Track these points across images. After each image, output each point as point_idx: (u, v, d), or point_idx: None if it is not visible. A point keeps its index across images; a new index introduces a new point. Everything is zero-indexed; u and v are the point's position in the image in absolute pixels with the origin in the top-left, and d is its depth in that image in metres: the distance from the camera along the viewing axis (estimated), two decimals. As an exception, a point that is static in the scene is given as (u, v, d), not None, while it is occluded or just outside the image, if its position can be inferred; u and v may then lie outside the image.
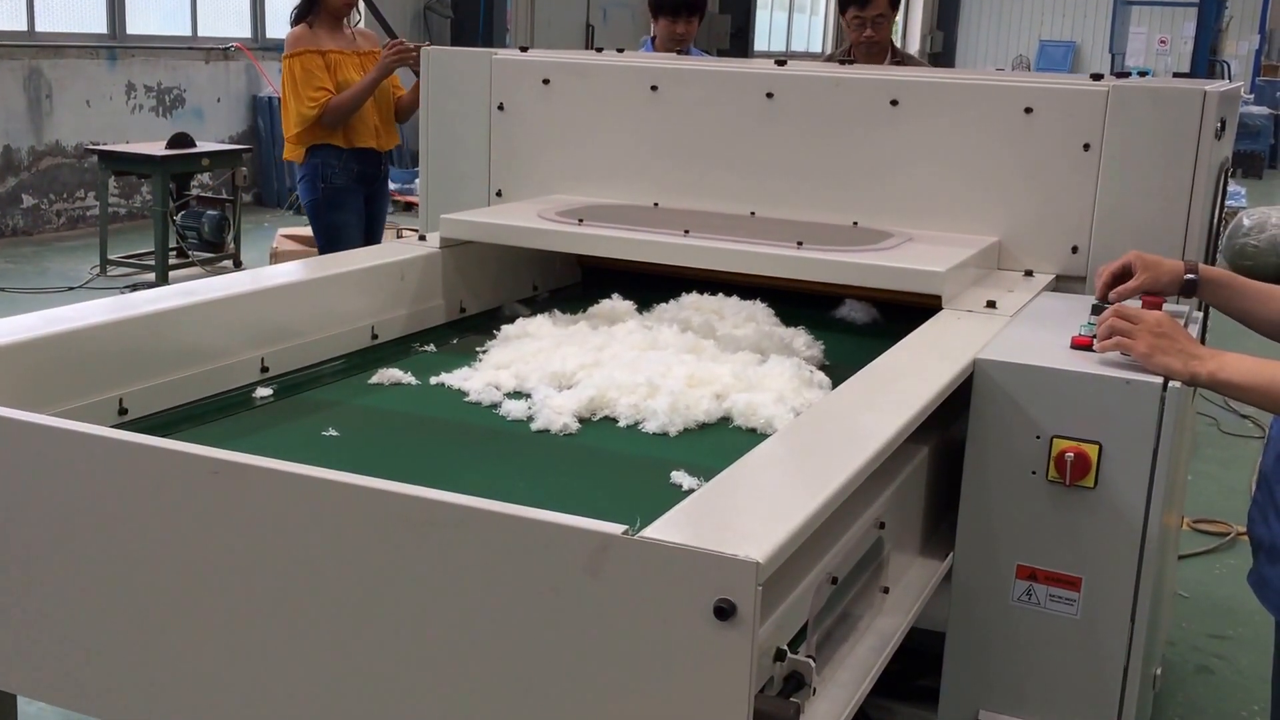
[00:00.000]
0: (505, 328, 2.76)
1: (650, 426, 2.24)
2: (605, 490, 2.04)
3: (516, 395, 2.39)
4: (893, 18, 4.95)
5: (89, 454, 1.66)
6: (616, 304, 2.89)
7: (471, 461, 2.16)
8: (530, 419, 2.27)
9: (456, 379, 2.48)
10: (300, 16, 5.29)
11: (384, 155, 5.47)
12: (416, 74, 5.32)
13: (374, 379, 2.50)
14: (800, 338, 2.70)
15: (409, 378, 2.51)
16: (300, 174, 5.34)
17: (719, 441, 2.19)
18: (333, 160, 5.24)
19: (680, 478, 1.97)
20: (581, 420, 2.27)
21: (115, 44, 10.76)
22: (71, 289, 8.22)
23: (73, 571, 1.71)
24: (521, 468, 2.11)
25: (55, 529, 1.71)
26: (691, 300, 2.91)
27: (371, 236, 5.48)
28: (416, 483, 1.98)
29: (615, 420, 2.28)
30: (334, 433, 2.20)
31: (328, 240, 5.32)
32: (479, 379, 2.46)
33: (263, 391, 2.39)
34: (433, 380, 2.50)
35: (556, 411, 2.26)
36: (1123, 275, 2.47)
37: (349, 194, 5.31)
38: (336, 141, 5.24)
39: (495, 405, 2.36)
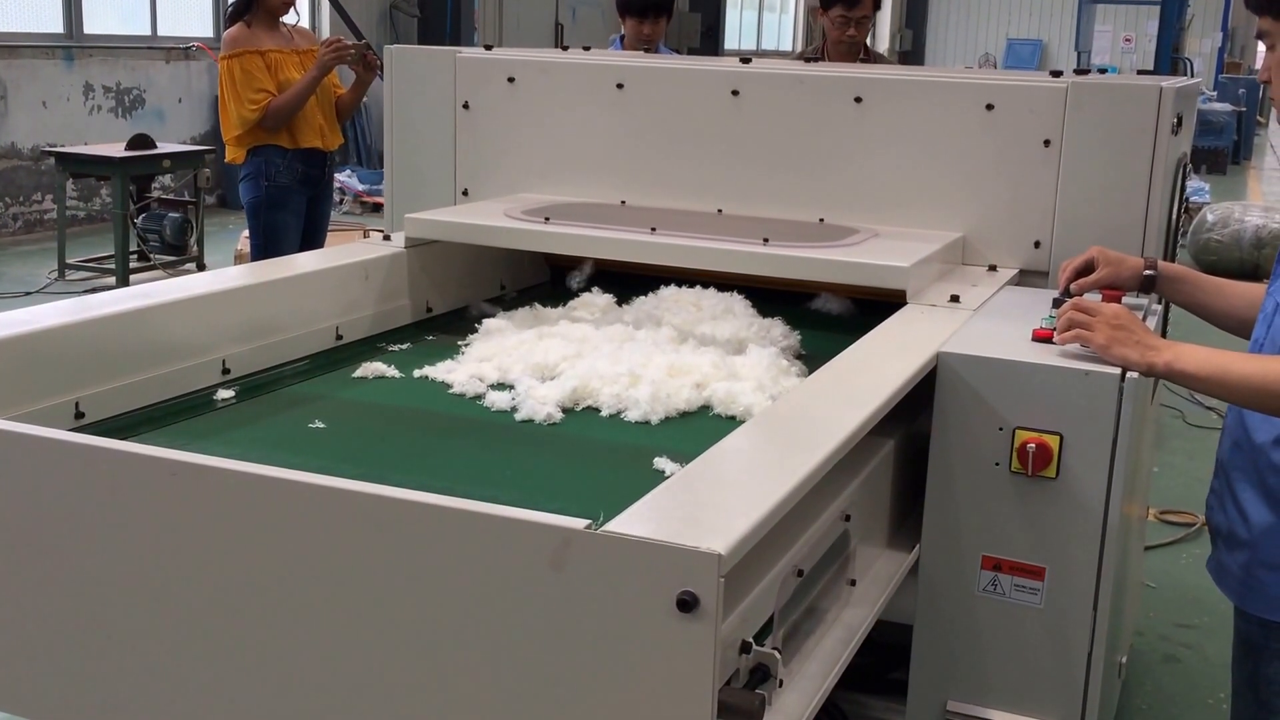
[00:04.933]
0: (487, 322, 2.78)
1: (632, 415, 2.28)
2: (591, 477, 2.08)
3: (500, 387, 2.42)
4: (873, 19, 5.00)
5: (42, 457, 1.65)
6: (595, 297, 2.93)
7: (457, 451, 2.19)
8: (514, 409, 2.31)
9: (440, 371, 2.51)
10: (237, 16, 5.24)
11: (329, 155, 5.43)
12: (355, 71, 5.33)
13: (358, 372, 2.53)
14: (777, 328, 2.73)
15: (392, 371, 2.55)
16: (243, 172, 5.29)
17: (700, 429, 2.22)
18: (277, 159, 5.20)
19: (663, 464, 2.01)
20: (565, 410, 2.31)
21: (72, 44, 10.64)
22: (28, 294, 8.13)
23: (27, 577, 1.70)
24: (507, 457, 2.15)
25: (7, 533, 1.69)
26: (670, 293, 2.93)
27: (313, 242, 5.41)
28: (404, 472, 2.02)
29: (598, 410, 2.32)
30: (320, 425, 2.22)
31: (266, 241, 5.26)
32: (462, 371, 2.49)
33: (224, 393, 2.37)
34: (416, 373, 2.53)
35: (540, 402, 2.29)
36: (1085, 270, 2.53)
37: (292, 194, 5.27)
38: (281, 142, 5.20)
39: (479, 397, 2.39)
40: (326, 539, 1.52)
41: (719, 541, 1.34)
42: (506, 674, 1.46)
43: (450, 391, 2.43)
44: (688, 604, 1.33)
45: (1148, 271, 2.49)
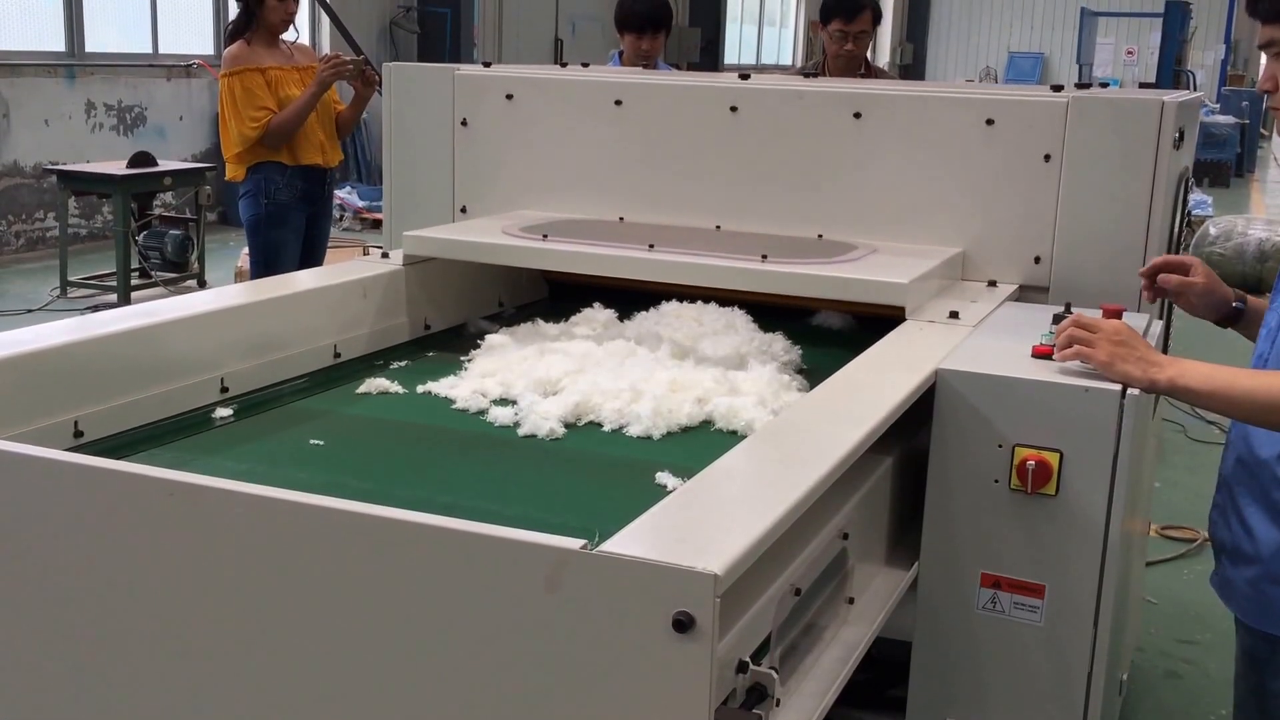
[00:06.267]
0: (489, 338, 2.79)
1: (634, 430, 2.29)
2: (594, 492, 2.09)
3: (503, 402, 2.43)
4: (873, 34, 5.01)
5: (39, 477, 1.65)
6: (596, 313, 2.93)
7: (461, 466, 2.21)
8: (517, 425, 2.32)
9: (443, 387, 2.53)
10: (237, 33, 5.26)
11: (329, 172, 5.44)
12: (355, 88, 5.34)
13: (361, 388, 2.55)
14: (778, 343, 2.74)
15: (396, 387, 2.57)
16: (243, 189, 5.30)
17: (701, 444, 2.22)
18: (277, 176, 5.21)
19: (665, 478, 2.02)
20: (567, 425, 2.32)
21: (74, 62, 10.65)
22: (30, 312, 8.13)
23: (24, 598, 1.69)
24: (510, 472, 2.17)
25: (5, 554, 1.69)
26: (671, 308, 2.93)
27: (312, 258, 5.41)
28: (408, 487, 2.04)
29: (600, 425, 2.33)
30: (326, 441, 2.25)
31: (265, 258, 5.26)
32: (465, 387, 2.50)
33: (224, 411, 2.37)
34: (419, 389, 2.54)
35: (543, 417, 2.31)
36: (1178, 268, 2.44)
37: (292, 211, 5.28)
38: (282, 159, 5.21)
39: (482, 412, 2.40)
40: (322, 558, 1.52)
41: (715, 561, 1.34)
42: (502, 694, 1.46)
43: (453, 407, 2.45)
44: (684, 624, 1.33)
45: (1236, 304, 2.42)
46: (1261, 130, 21.85)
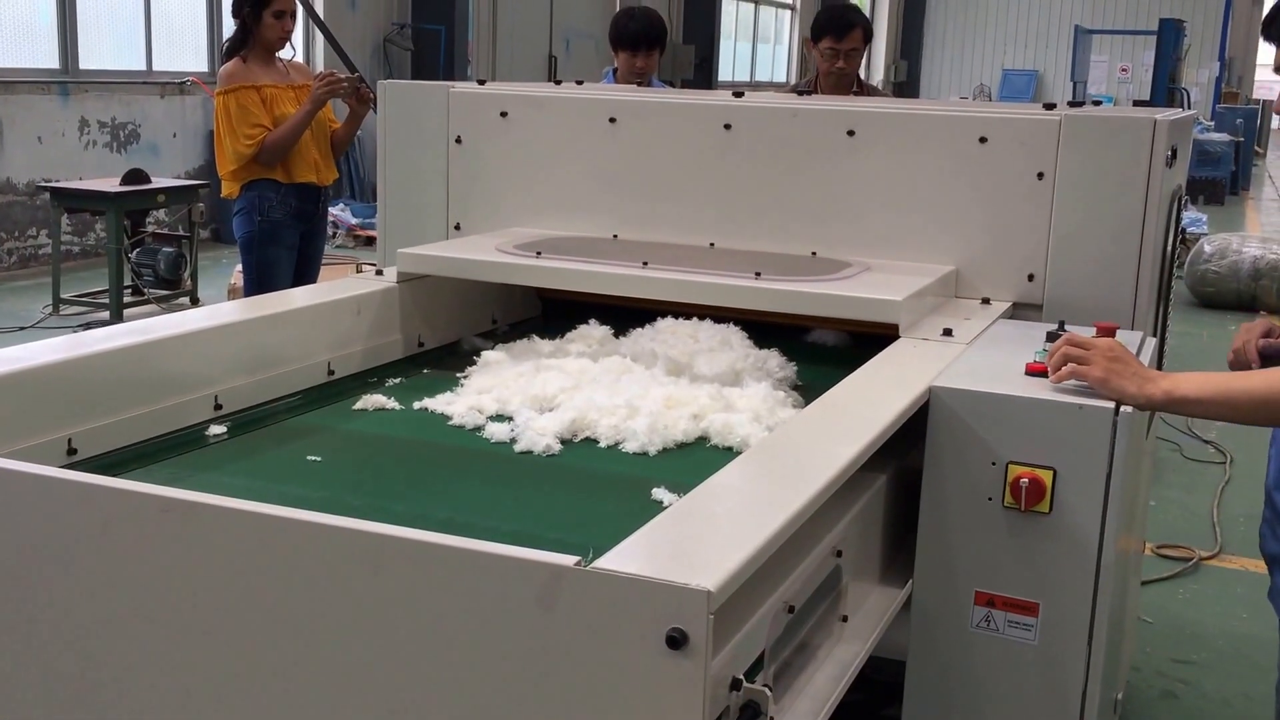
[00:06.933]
0: (485, 354, 2.79)
1: (630, 446, 2.29)
2: (590, 508, 2.09)
3: (499, 418, 2.43)
4: (864, 51, 5.03)
5: (33, 494, 1.65)
6: (592, 329, 2.94)
7: (457, 482, 2.21)
8: (513, 441, 2.32)
9: (439, 404, 2.53)
10: (233, 51, 5.27)
11: (323, 190, 5.44)
12: (349, 105, 5.35)
13: (358, 405, 2.55)
14: (774, 359, 2.74)
15: (392, 403, 2.57)
16: (236, 207, 5.30)
17: (697, 460, 2.22)
18: (270, 194, 5.21)
19: (661, 494, 2.01)
20: (563, 441, 2.32)
21: (68, 79, 10.65)
22: (23, 329, 8.13)
23: (17, 614, 1.68)
24: (507, 488, 2.17)
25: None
26: (666, 325, 2.93)
27: (306, 276, 5.41)
28: (405, 503, 2.04)
29: (596, 441, 2.33)
30: (323, 457, 2.24)
31: (258, 275, 5.26)
32: (462, 403, 2.50)
33: (216, 429, 2.37)
34: (415, 405, 2.55)
35: (539, 433, 2.31)
36: (1268, 333, 2.51)
37: (285, 229, 5.28)
38: (276, 176, 5.21)
39: (479, 428, 2.41)
40: (318, 574, 1.52)
41: (709, 578, 1.34)
42: (495, 710, 1.45)
43: (450, 423, 2.45)
44: (677, 641, 1.33)
45: None
46: (1256, 148, 21.93)
